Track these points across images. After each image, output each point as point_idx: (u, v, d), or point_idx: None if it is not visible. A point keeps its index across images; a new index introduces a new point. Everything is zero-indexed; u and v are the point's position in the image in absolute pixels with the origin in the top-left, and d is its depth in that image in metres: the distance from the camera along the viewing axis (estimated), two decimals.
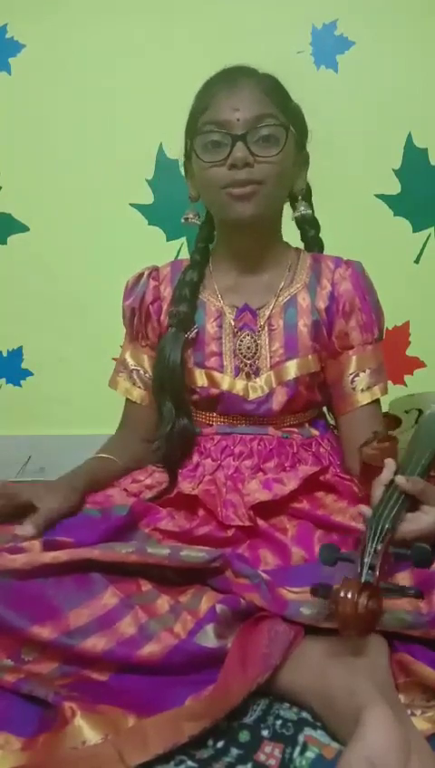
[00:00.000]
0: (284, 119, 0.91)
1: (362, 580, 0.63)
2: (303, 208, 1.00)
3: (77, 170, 1.65)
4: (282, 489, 0.91)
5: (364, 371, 0.98)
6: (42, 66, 1.62)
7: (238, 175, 0.89)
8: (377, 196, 1.63)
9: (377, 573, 0.63)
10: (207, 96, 0.93)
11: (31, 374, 1.77)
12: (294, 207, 1.01)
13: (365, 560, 0.64)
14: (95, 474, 0.97)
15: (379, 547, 0.66)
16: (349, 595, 0.60)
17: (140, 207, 1.67)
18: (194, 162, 0.95)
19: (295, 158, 0.96)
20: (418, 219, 1.65)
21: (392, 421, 1.04)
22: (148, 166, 1.64)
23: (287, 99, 0.95)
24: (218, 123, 0.89)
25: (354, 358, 0.98)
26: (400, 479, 0.74)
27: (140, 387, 1.06)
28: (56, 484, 0.91)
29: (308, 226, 1.06)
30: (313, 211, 1.05)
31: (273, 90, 0.92)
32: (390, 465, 0.79)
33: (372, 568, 0.64)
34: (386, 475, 0.76)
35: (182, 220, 1.01)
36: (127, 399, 1.07)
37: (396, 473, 0.80)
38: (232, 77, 0.92)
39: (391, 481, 0.77)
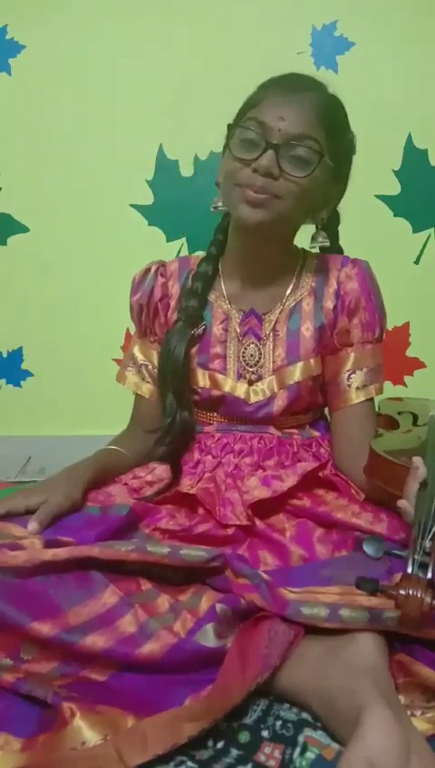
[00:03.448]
0: (326, 146, 0.89)
1: (423, 577, 0.61)
2: (321, 239, 0.97)
3: (77, 171, 1.65)
4: (281, 486, 0.90)
5: (361, 370, 0.98)
6: (42, 67, 1.62)
7: (257, 181, 0.87)
8: (377, 196, 1.63)
9: (431, 571, 0.62)
10: (264, 92, 0.91)
11: (31, 375, 1.77)
12: (313, 237, 0.99)
13: (416, 557, 0.63)
14: (103, 465, 0.97)
15: (428, 544, 0.64)
16: (417, 593, 0.59)
17: (140, 208, 1.67)
18: (228, 150, 0.92)
19: (326, 187, 0.93)
20: (418, 220, 1.65)
21: (390, 422, 1.03)
22: (148, 166, 1.65)
23: (339, 128, 0.92)
24: (261, 124, 0.87)
25: (352, 355, 0.98)
26: None
27: (149, 382, 1.05)
28: (57, 482, 0.90)
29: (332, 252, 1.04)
30: (337, 239, 1.04)
31: (327, 113, 0.89)
32: (420, 462, 0.76)
33: (423, 566, 0.62)
34: (422, 471, 0.75)
35: (211, 208, 0.98)
36: (136, 394, 1.07)
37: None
38: (295, 85, 0.90)
39: (425, 480, 0.75)
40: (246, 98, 0.93)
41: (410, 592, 0.59)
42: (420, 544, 0.64)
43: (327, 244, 0.99)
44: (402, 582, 0.60)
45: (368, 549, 0.66)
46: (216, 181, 0.97)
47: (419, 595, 0.59)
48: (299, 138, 0.86)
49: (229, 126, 0.92)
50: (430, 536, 0.65)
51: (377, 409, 1.05)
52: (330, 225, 1.01)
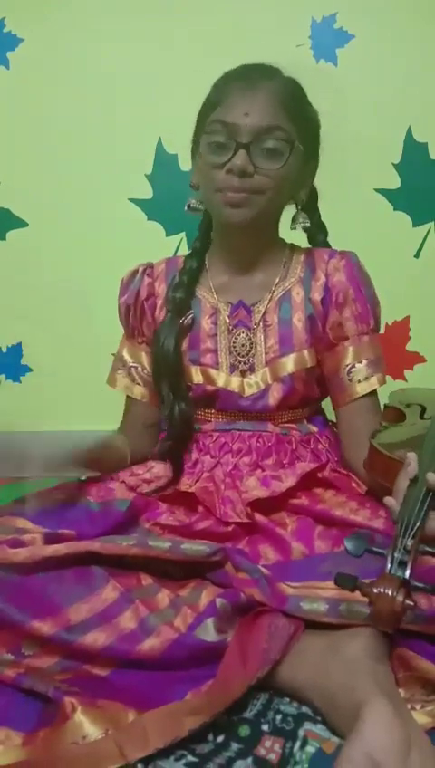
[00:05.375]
0: (294, 131, 0.90)
1: (399, 576, 0.61)
2: (302, 220, 0.99)
3: (76, 165, 1.64)
4: (279, 486, 0.90)
5: (361, 362, 0.97)
6: (40, 61, 1.61)
7: (234, 181, 0.88)
8: (377, 190, 1.63)
9: (409, 570, 0.61)
10: (222, 91, 0.91)
11: (30, 370, 1.77)
12: (294, 219, 1.00)
13: (395, 555, 0.62)
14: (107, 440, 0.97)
15: (409, 543, 0.63)
16: (388, 592, 0.59)
17: (139, 203, 1.66)
18: (199, 156, 0.94)
19: (300, 170, 0.94)
20: (418, 214, 1.64)
21: (397, 414, 1.03)
22: (147, 161, 1.64)
23: (303, 109, 0.93)
24: (226, 125, 0.88)
25: (350, 349, 0.98)
26: (432, 477, 0.70)
27: (139, 384, 1.05)
28: None
29: (316, 230, 1.05)
30: (319, 216, 1.04)
31: (289, 99, 0.90)
32: (413, 458, 0.75)
33: (402, 564, 0.62)
34: (413, 468, 0.74)
35: (185, 208, 1.00)
36: (127, 397, 1.07)
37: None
38: (251, 77, 0.90)
39: (416, 476, 0.74)
40: (205, 98, 0.93)
41: (383, 590, 0.59)
42: (402, 542, 0.63)
43: (308, 224, 1.00)
44: (378, 580, 0.60)
45: (349, 545, 0.65)
46: (190, 183, 0.98)
47: (390, 593, 0.59)
48: (267, 130, 0.88)
49: (196, 127, 0.94)
50: (411, 534, 0.64)
51: (387, 401, 1.04)
52: (309, 203, 1.02)
